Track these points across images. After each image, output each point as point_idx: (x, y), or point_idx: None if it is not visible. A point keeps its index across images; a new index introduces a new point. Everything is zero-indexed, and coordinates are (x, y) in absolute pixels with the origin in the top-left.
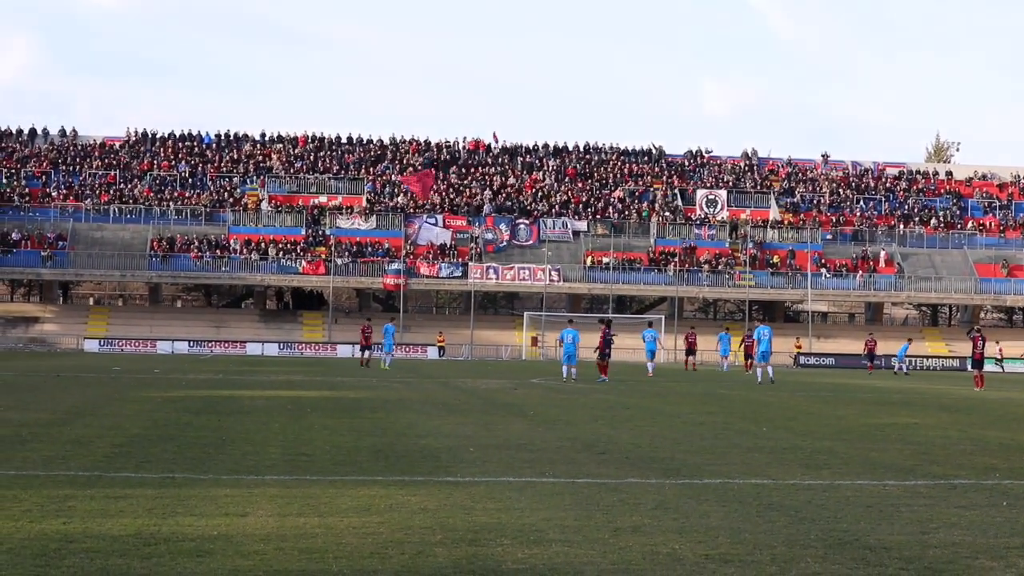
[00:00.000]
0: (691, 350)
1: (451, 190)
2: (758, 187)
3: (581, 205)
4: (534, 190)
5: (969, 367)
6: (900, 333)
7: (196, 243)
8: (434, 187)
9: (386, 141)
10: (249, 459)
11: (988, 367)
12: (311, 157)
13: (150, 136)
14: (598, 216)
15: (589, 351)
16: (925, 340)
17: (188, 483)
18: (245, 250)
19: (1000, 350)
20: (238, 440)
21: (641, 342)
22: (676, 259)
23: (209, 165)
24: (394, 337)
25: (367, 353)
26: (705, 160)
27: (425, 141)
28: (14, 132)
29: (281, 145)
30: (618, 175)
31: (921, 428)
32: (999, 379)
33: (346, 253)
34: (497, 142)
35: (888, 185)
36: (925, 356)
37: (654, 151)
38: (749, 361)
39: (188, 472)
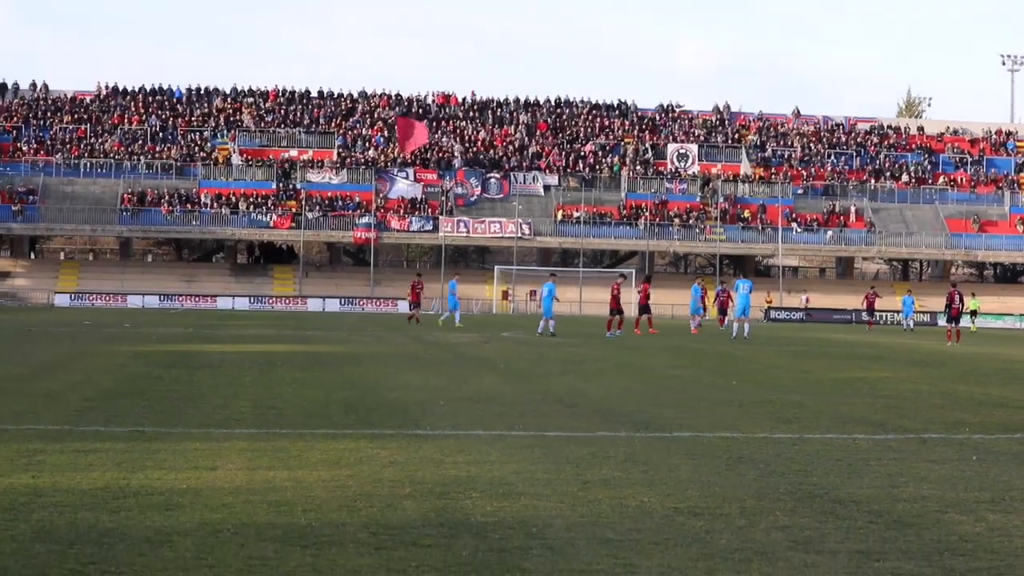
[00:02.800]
0: (723, 309)
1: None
2: (729, 141)
3: (552, 159)
4: (505, 144)
5: (944, 321)
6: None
7: (166, 197)
8: (426, 143)
9: (356, 95)
10: (219, 413)
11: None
12: (281, 111)
13: (120, 90)
14: (569, 170)
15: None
16: (895, 294)
17: (158, 437)
18: (215, 204)
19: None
20: (208, 394)
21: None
22: (647, 213)
23: (179, 119)
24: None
25: (417, 309)
26: (676, 114)
27: (395, 95)
28: None
29: (251, 99)
30: (589, 129)
31: (891, 382)
32: (968, 334)
33: (316, 207)
34: (474, 97)
35: (859, 140)
36: (895, 310)
37: (625, 105)
38: (722, 317)
39: (158, 426)
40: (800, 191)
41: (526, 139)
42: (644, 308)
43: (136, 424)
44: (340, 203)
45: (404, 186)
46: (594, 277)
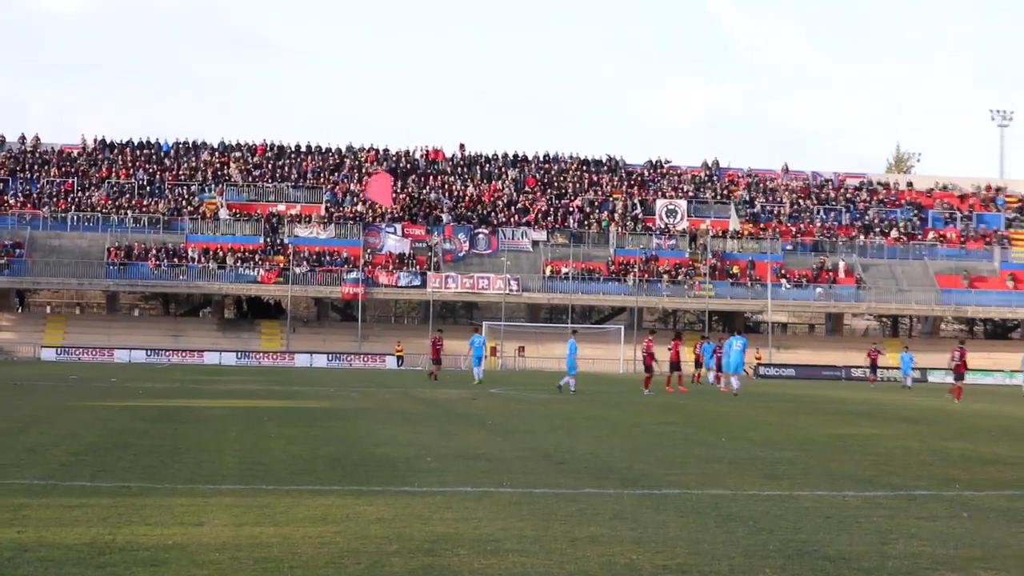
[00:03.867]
0: (874, 365)
1: (410, 199)
2: (718, 197)
3: (540, 215)
4: (493, 199)
5: (951, 379)
6: (863, 344)
7: (154, 251)
8: (394, 192)
9: (344, 149)
10: (205, 468)
11: (950, 378)
12: (269, 165)
13: (108, 144)
14: (557, 226)
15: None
16: (886, 352)
17: (144, 492)
18: (203, 258)
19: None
20: (194, 449)
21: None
22: (635, 269)
23: (167, 173)
24: (484, 348)
25: (438, 366)
26: (665, 170)
27: (384, 150)
28: None
29: (239, 153)
30: (577, 185)
31: (881, 439)
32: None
33: (304, 262)
34: (464, 151)
35: (848, 195)
36: (886, 367)
37: (614, 161)
38: (699, 371)
39: (144, 481)
40: (789, 247)
41: (515, 195)
42: (675, 365)
43: (122, 479)
44: (328, 258)
45: (392, 241)
46: (583, 333)
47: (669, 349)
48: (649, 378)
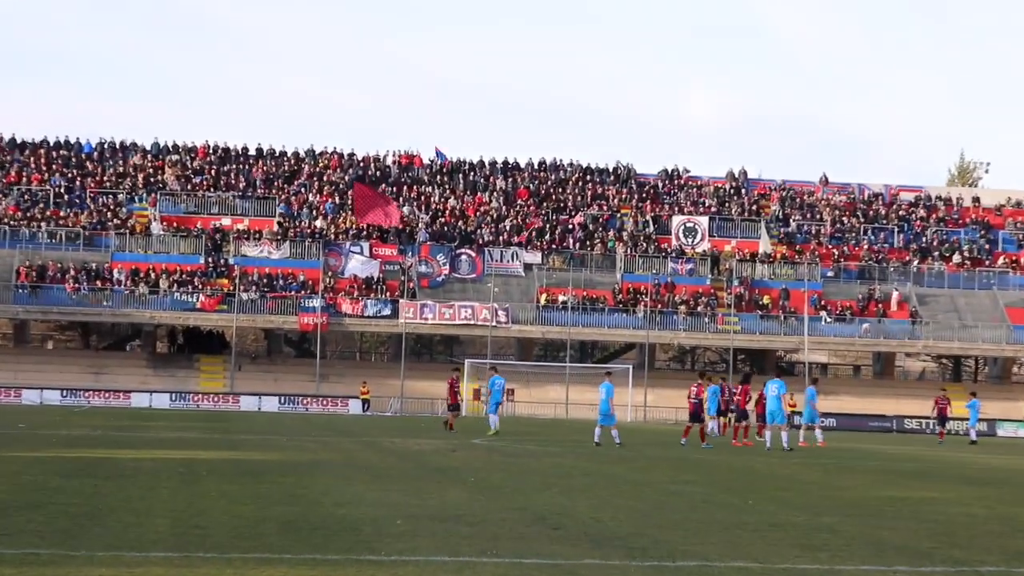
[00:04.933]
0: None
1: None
2: (746, 214)
3: (534, 233)
4: (478, 214)
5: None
6: (918, 390)
7: (72, 272)
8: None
9: (302, 154)
10: (131, 532)
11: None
12: (212, 171)
13: (18, 143)
14: (555, 246)
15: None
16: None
17: (56, 560)
18: (131, 281)
19: None
20: (118, 509)
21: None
22: (647, 298)
23: (89, 179)
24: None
25: (455, 413)
26: (683, 181)
27: (349, 154)
28: None
29: (176, 156)
30: (579, 198)
31: (940, 503)
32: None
33: (253, 286)
34: (440, 157)
35: (902, 213)
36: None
37: (622, 170)
38: (724, 420)
39: (57, 548)
40: (831, 273)
41: (504, 209)
42: (742, 414)
43: (29, 545)
44: (281, 282)
45: (358, 263)
46: (583, 374)
47: (736, 395)
48: (700, 428)
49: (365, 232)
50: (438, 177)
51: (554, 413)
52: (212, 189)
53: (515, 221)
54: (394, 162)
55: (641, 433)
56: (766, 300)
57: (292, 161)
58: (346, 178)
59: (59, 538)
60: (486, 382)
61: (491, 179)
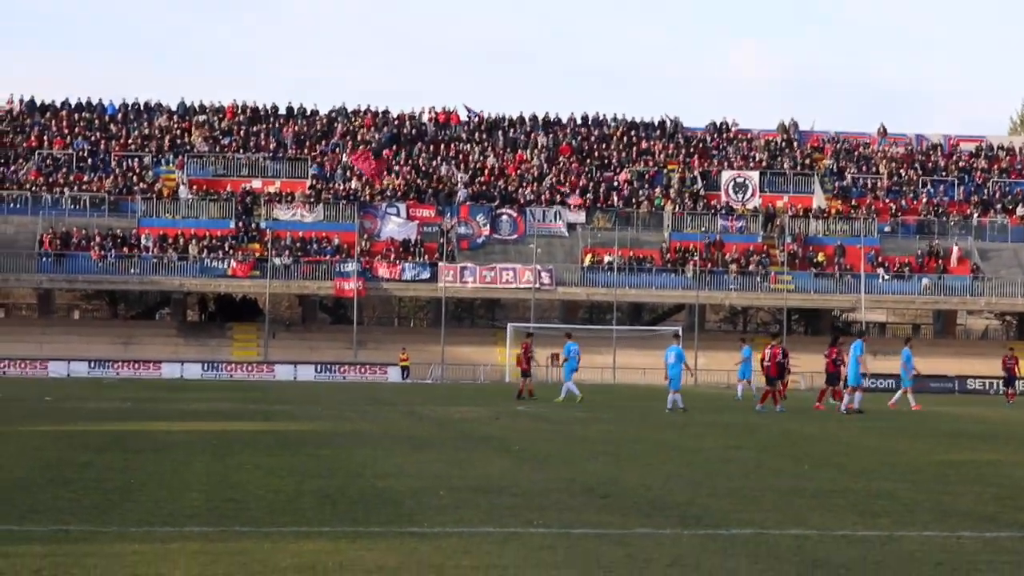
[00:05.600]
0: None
1: (417, 173)
2: (798, 168)
3: (578, 191)
4: (519, 173)
5: None
6: (981, 349)
7: (97, 239)
8: (386, 169)
9: (335, 112)
10: (164, 507)
11: None
12: (241, 132)
13: (39, 105)
14: (599, 205)
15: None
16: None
17: (87, 537)
18: (159, 248)
19: None
20: (150, 483)
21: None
22: (696, 257)
23: (113, 142)
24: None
25: (529, 379)
26: (732, 134)
27: (383, 112)
28: None
29: (203, 117)
30: (624, 154)
31: (1006, 466)
32: None
33: (286, 251)
34: (472, 113)
35: (962, 164)
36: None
37: (668, 124)
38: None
39: (87, 524)
40: (888, 228)
41: (545, 166)
42: (833, 376)
43: (59, 522)
44: (315, 246)
45: (394, 225)
46: (631, 337)
47: (825, 356)
48: (770, 392)
49: (402, 193)
50: (476, 135)
51: (601, 378)
52: (241, 150)
53: (557, 179)
54: (430, 119)
55: (692, 398)
56: (820, 257)
57: (324, 121)
58: (380, 138)
59: (89, 514)
60: (560, 348)
61: (532, 136)
